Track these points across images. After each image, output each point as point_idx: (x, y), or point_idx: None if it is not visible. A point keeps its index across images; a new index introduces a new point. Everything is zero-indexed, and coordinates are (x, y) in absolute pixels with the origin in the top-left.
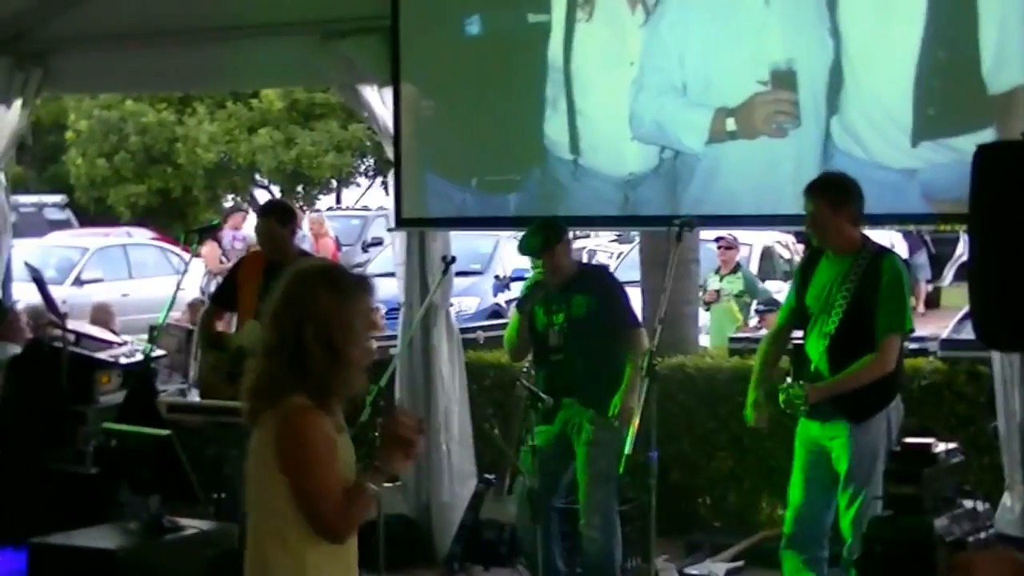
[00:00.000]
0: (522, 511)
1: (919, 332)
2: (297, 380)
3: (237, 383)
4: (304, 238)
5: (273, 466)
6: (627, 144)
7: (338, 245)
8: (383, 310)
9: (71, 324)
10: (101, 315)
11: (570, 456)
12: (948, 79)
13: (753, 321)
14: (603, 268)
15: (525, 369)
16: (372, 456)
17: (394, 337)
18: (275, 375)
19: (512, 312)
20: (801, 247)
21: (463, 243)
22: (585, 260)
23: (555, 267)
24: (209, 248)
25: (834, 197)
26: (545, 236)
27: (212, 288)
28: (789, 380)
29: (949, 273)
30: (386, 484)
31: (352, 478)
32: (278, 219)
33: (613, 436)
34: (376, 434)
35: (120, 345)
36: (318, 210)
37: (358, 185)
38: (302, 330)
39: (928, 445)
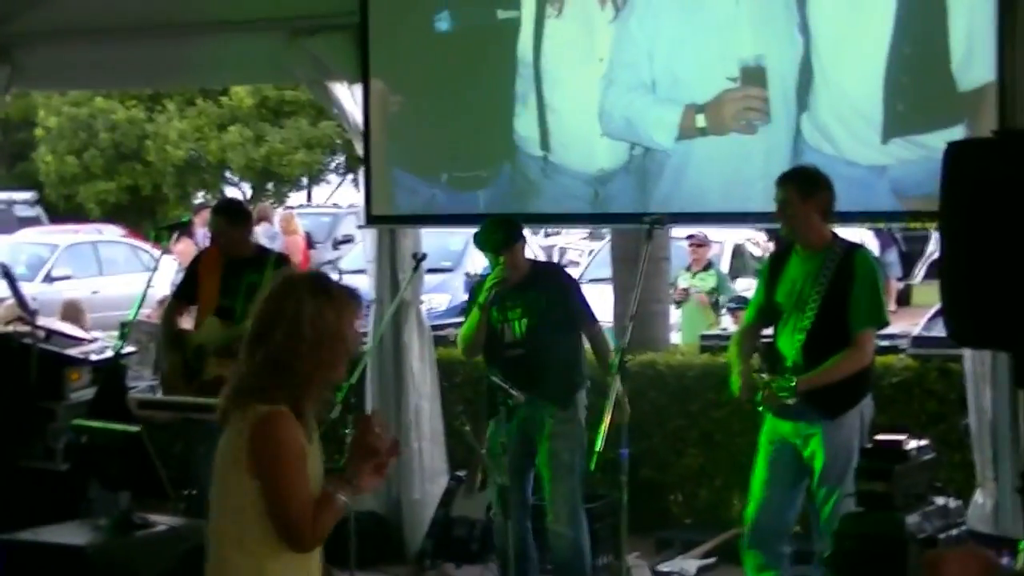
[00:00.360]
0: (496, 507)
1: (891, 330)
2: (273, 384)
3: (195, 381)
4: (276, 235)
5: (242, 468)
6: (597, 140)
7: (309, 243)
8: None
9: (41, 321)
10: (71, 312)
11: (531, 452)
12: (918, 76)
13: (726, 319)
14: (556, 265)
15: None
16: (343, 467)
17: (365, 334)
18: (252, 377)
19: (473, 310)
20: (772, 245)
21: (434, 240)
22: (556, 258)
23: (515, 264)
24: (184, 245)
25: (803, 185)
26: (508, 233)
27: None
28: (765, 376)
29: (920, 271)
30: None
31: (318, 488)
32: (228, 220)
33: (574, 429)
34: (347, 436)
35: (90, 342)
36: (290, 207)
37: (328, 183)
38: (281, 335)
39: (899, 442)
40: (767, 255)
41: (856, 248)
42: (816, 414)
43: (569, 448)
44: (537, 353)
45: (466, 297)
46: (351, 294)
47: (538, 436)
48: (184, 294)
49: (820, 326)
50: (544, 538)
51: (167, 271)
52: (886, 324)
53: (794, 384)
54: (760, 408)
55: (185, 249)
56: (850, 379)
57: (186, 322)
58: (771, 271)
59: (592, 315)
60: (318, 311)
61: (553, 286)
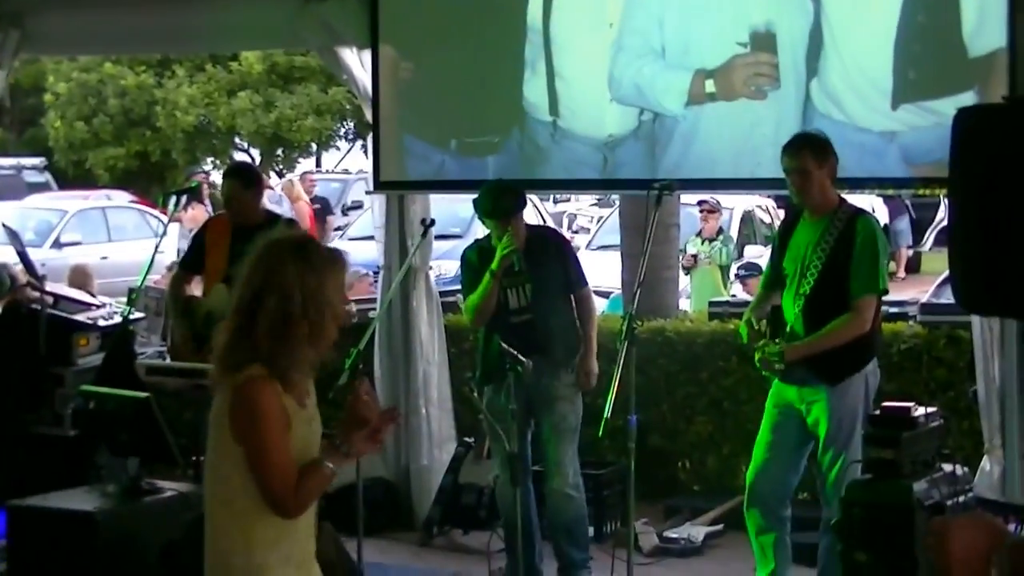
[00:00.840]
0: (504, 475)
1: (900, 297)
2: (262, 350)
3: (205, 348)
4: (281, 200)
5: (227, 434)
6: (606, 106)
7: (326, 209)
8: (371, 275)
9: (49, 287)
10: (79, 278)
11: (532, 417)
12: (929, 42)
13: (736, 287)
14: (551, 228)
15: None
16: (333, 434)
17: (373, 300)
18: (236, 343)
19: (485, 277)
20: (782, 213)
21: (443, 207)
22: (566, 225)
23: (518, 230)
24: (197, 211)
25: (818, 152)
26: (515, 198)
27: None
28: (764, 340)
29: (930, 238)
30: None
31: (314, 454)
32: (242, 182)
33: (576, 392)
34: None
35: (98, 308)
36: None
37: (338, 149)
38: (264, 300)
39: (907, 409)
40: (777, 222)
41: (860, 214)
42: (818, 380)
43: (574, 411)
44: (544, 318)
45: None
46: (335, 256)
47: (542, 400)
48: (191, 263)
49: (820, 292)
50: (543, 502)
51: (175, 237)
52: (884, 292)
53: (781, 350)
54: (765, 374)
55: (195, 215)
56: (851, 346)
57: (196, 290)
58: (781, 239)
59: (584, 278)
60: (302, 275)
61: (552, 249)
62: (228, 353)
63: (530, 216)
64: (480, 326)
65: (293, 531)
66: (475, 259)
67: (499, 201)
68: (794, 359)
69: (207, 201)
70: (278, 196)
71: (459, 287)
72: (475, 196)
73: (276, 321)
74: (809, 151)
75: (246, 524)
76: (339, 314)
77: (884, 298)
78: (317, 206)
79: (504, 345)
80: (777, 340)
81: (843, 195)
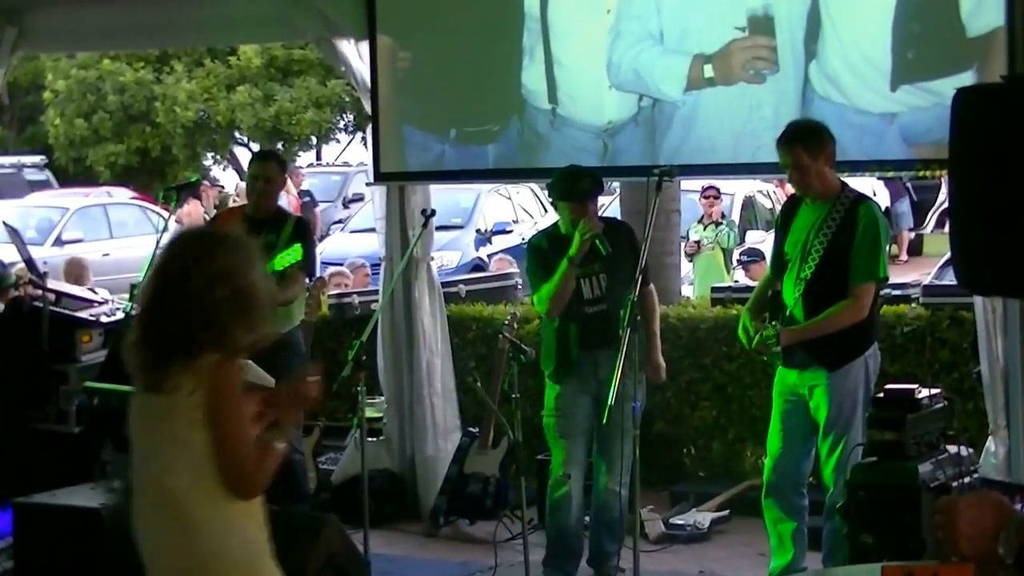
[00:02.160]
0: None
1: (902, 279)
2: (199, 337)
3: None
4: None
5: (193, 422)
6: (605, 93)
7: (313, 201)
8: (368, 267)
9: (51, 284)
10: (74, 270)
11: (599, 412)
12: (927, 22)
13: (738, 273)
14: (622, 221)
15: (507, 321)
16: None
17: (375, 292)
18: (180, 332)
19: (562, 264)
20: (782, 197)
21: (444, 197)
22: None
23: (594, 214)
24: (193, 206)
25: (811, 144)
26: (592, 182)
27: None
28: (763, 324)
29: (931, 220)
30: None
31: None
32: (280, 165)
33: (643, 388)
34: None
35: (100, 304)
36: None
37: (338, 141)
38: (211, 289)
39: (911, 391)
40: (778, 207)
41: (862, 199)
42: (818, 365)
43: (634, 413)
44: (619, 309)
45: (477, 254)
46: (255, 243)
47: (609, 395)
48: None
49: (820, 277)
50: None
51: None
52: (885, 280)
53: (774, 334)
54: (763, 358)
55: (192, 210)
56: (849, 331)
57: None
58: (783, 222)
59: (649, 275)
60: (218, 262)
61: (625, 239)
62: (171, 342)
63: (532, 205)
64: (555, 317)
65: (259, 516)
66: (545, 245)
67: (577, 184)
68: (789, 343)
69: (210, 197)
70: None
71: (460, 278)
72: (476, 186)
73: (223, 306)
74: (801, 146)
75: (225, 517)
76: (263, 296)
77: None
78: (306, 199)
79: (504, 334)
80: (774, 323)
81: (844, 178)
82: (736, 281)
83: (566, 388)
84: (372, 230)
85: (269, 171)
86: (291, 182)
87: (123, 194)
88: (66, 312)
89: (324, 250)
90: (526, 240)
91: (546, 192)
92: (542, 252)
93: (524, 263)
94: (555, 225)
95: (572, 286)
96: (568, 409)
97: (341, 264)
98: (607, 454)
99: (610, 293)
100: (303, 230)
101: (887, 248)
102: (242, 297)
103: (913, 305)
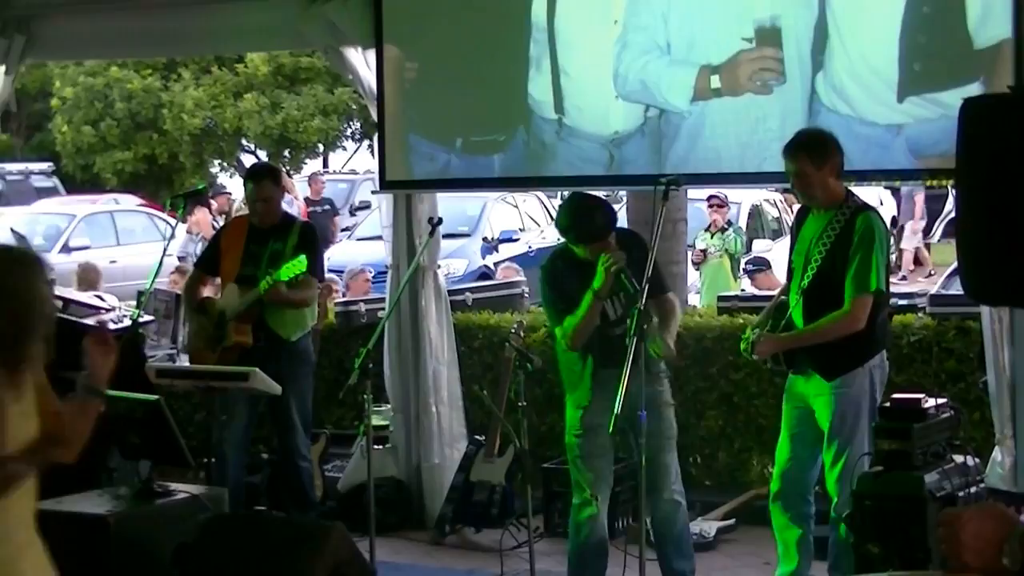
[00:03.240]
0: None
1: (908, 289)
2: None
3: (218, 348)
4: (291, 201)
5: None
6: (612, 103)
7: (329, 210)
8: (370, 274)
9: (58, 291)
10: (87, 275)
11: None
12: (934, 33)
13: (745, 282)
14: (634, 232)
15: (513, 329)
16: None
17: (382, 300)
18: None
19: (586, 296)
20: (788, 206)
21: (451, 205)
22: None
23: (613, 246)
24: (201, 214)
25: (816, 154)
26: (606, 215)
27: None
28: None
29: (938, 230)
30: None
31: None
32: (275, 181)
33: (670, 398)
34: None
35: (108, 311)
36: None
37: (345, 149)
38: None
39: (917, 400)
40: (785, 215)
41: (863, 209)
42: (817, 375)
43: (674, 417)
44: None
45: (483, 262)
46: (40, 258)
47: (649, 409)
48: (207, 266)
49: (817, 286)
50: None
51: (181, 240)
52: (879, 292)
53: (752, 341)
54: (770, 367)
55: (200, 219)
56: (846, 341)
57: (208, 293)
58: (794, 230)
59: (665, 283)
60: (29, 280)
61: (638, 256)
62: None
63: (538, 212)
64: (577, 349)
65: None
66: (561, 268)
67: (591, 224)
68: (768, 352)
69: (217, 204)
70: (290, 198)
71: (466, 286)
72: (556, 217)
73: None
74: (805, 154)
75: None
76: (47, 310)
77: (893, 290)
78: (326, 207)
79: (511, 343)
80: (755, 329)
81: (851, 187)
82: (743, 290)
83: (593, 407)
84: (379, 238)
85: (264, 192)
86: (310, 189)
87: (130, 201)
88: (73, 319)
89: (331, 257)
90: (532, 249)
91: (556, 229)
92: (557, 276)
93: (538, 286)
94: (565, 244)
95: (597, 319)
96: (595, 428)
97: (342, 272)
98: (658, 464)
99: (631, 313)
100: (309, 237)
101: (884, 261)
102: (17, 315)
103: (920, 315)
